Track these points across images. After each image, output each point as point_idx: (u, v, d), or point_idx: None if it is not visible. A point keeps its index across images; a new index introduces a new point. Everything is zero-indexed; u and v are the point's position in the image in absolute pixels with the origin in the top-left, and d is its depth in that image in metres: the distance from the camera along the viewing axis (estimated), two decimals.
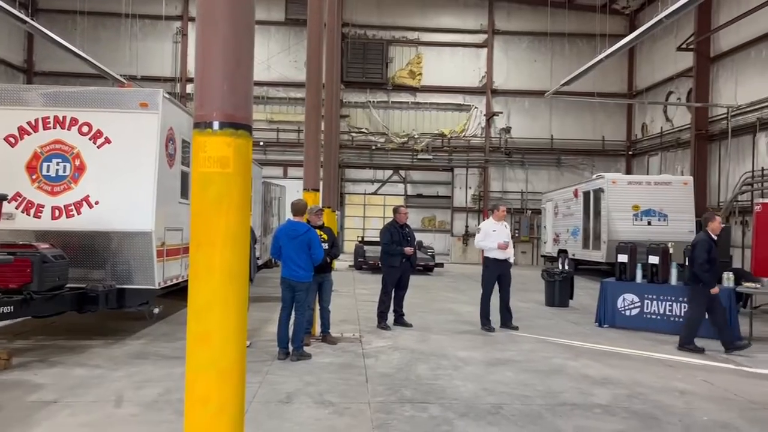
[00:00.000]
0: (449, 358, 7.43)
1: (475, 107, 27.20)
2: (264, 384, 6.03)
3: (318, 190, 8.58)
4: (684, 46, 21.66)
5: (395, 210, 9.76)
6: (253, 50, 2.69)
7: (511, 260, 9.78)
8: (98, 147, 7.86)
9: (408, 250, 9.39)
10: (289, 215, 7.72)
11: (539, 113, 27.15)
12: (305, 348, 7.39)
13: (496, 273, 9.66)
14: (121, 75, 20.09)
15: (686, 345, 8.29)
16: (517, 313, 11.59)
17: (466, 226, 26.97)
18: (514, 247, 10.18)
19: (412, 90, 26.98)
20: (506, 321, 9.76)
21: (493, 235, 9.58)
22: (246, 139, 2.58)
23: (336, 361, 7.15)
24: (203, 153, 2.53)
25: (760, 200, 14.43)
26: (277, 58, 25.93)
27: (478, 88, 27.18)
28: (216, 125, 2.52)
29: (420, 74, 26.92)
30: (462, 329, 9.58)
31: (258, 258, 16.53)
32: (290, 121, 25.92)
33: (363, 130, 26.95)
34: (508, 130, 27.14)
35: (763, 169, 18.17)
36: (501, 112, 27.04)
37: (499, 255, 9.60)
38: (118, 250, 7.78)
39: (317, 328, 8.39)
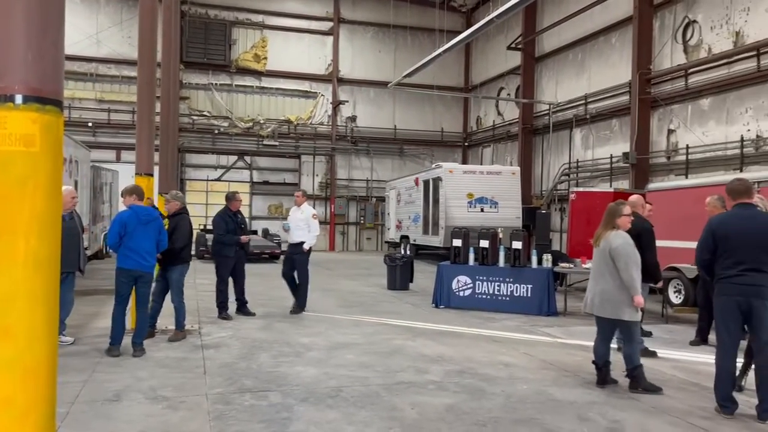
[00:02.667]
0: (292, 345, 7.41)
1: (322, 95, 27.25)
2: (90, 382, 5.60)
3: (152, 175, 8.09)
4: (513, 45, 23.41)
5: (230, 197, 9.46)
6: (63, 15, 2.44)
7: (306, 246, 9.77)
8: None
9: (244, 238, 9.31)
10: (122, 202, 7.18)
11: (384, 103, 27.87)
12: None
13: (287, 255, 10.00)
14: None
15: None
16: (360, 297, 11.92)
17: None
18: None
19: (257, 74, 26.37)
20: (296, 304, 9.91)
21: (287, 221, 10.03)
22: (55, 116, 2.34)
23: (172, 354, 6.82)
24: (3, 130, 2.25)
25: (575, 189, 16.09)
26: (108, 32, 23.96)
27: (324, 75, 27.25)
28: (19, 99, 2.25)
29: (265, 58, 26.38)
30: (305, 316, 9.60)
31: (86, 248, 15.26)
32: (124, 101, 24.13)
33: (205, 113, 25.87)
34: (354, 118, 27.55)
35: (578, 161, 20.23)
36: (347, 101, 27.36)
37: (288, 238, 10.00)
38: None
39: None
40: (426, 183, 20.18)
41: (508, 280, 10.40)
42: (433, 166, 21.06)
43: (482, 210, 18.76)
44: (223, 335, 7.94)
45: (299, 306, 9.85)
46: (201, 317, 9.12)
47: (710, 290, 5.52)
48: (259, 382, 5.76)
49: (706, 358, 6.74)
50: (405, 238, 21.97)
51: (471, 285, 10.62)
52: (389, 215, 24.64)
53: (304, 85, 27.08)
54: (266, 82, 26.51)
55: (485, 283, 10.55)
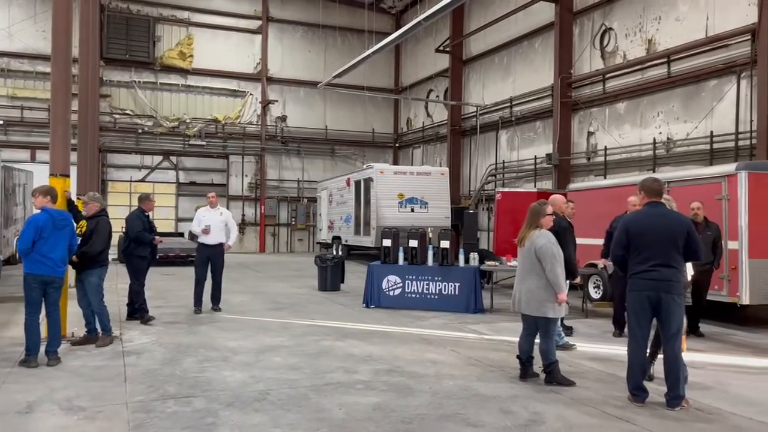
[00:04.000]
0: (218, 350, 7.26)
1: (251, 94, 26.83)
2: (0, 394, 5.30)
3: (68, 176, 7.72)
4: (441, 48, 23.80)
5: (144, 198, 9.37)
6: None
7: (229, 242, 10.12)
8: None
9: (158, 239, 9.25)
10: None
11: (314, 103, 27.72)
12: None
13: (205, 256, 9.96)
14: None
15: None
16: (290, 299, 11.83)
17: (243, 215, 26.56)
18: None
19: (183, 72, 25.67)
20: (213, 302, 10.10)
21: (203, 221, 9.94)
22: None
23: (90, 363, 6.54)
24: None
25: (500, 189, 16.54)
26: (21, 26, 22.69)
27: (253, 74, 26.84)
28: None
29: (191, 56, 25.70)
30: (233, 318, 9.43)
31: None
32: (39, 98, 22.91)
33: (128, 111, 24.95)
34: (284, 118, 27.27)
35: (504, 162, 20.80)
36: (276, 101, 27.05)
37: (206, 240, 9.90)
38: None
39: (67, 329, 7.59)
40: (357, 183, 20.21)
41: (436, 278, 10.56)
42: (365, 166, 21.13)
43: (412, 210, 18.95)
44: (146, 341, 7.68)
45: (219, 301, 10.13)
46: (122, 323, 8.79)
47: (623, 285, 5.78)
48: (183, 388, 5.61)
49: (620, 349, 7.06)
50: (337, 238, 21.94)
51: (401, 284, 10.72)
52: (321, 216, 24.53)
53: (232, 84, 26.60)
54: (192, 81, 25.87)
55: (414, 282, 10.67)
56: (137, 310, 9.05)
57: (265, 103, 26.77)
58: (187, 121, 25.69)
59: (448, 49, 23.53)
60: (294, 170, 27.65)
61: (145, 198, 9.35)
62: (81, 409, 4.96)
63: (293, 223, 27.41)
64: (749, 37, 12.56)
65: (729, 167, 9.45)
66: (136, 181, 24.88)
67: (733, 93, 12.99)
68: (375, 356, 7.01)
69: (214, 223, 9.88)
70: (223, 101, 26.50)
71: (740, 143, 12.82)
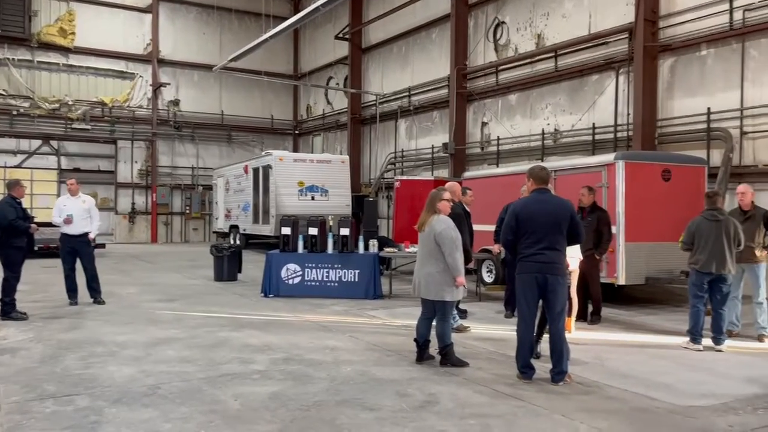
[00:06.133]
0: (105, 345, 6.87)
1: (140, 76, 25.47)
2: None
3: None
4: (341, 35, 23.68)
5: (13, 184, 8.80)
6: None
7: (91, 235, 9.63)
8: None
9: (34, 227, 8.68)
10: None
11: (210, 88, 26.78)
12: None
13: (69, 247, 9.53)
14: None
15: None
16: (184, 290, 11.41)
17: (133, 203, 25.29)
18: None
19: (64, 50, 23.90)
20: (93, 295, 9.72)
21: (64, 211, 9.46)
22: None
23: None
24: None
25: (399, 177, 16.78)
26: None
27: (143, 55, 25.48)
28: None
29: (73, 33, 23.96)
30: (121, 313, 8.96)
31: None
32: None
33: (1, 92, 22.91)
34: (176, 102, 26.15)
35: (403, 151, 21.10)
36: (169, 84, 25.86)
37: (69, 230, 9.45)
38: None
39: None
40: (256, 171, 19.78)
41: (336, 266, 10.56)
42: (263, 153, 20.70)
43: (313, 198, 18.83)
44: (22, 338, 7.14)
45: (98, 292, 9.68)
46: None
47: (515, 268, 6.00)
48: (64, 387, 5.26)
49: (511, 330, 7.38)
50: (234, 227, 21.40)
51: (300, 272, 10.62)
52: (217, 204, 23.79)
53: (120, 65, 25.14)
54: (75, 60, 24.17)
55: (314, 270, 10.62)
56: (8, 305, 8.39)
57: (157, 86, 25.53)
58: (70, 103, 23.99)
59: (347, 36, 23.45)
60: (188, 157, 26.61)
61: (14, 184, 8.74)
62: None
63: (187, 211, 26.41)
64: (627, 35, 13.46)
65: (608, 157, 10.09)
66: (11, 167, 22.88)
67: (613, 88, 13.89)
68: (273, 345, 6.91)
69: (77, 212, 9.36)
70: (110, 83, 24.97)
71: (618, 135, 13.73)
